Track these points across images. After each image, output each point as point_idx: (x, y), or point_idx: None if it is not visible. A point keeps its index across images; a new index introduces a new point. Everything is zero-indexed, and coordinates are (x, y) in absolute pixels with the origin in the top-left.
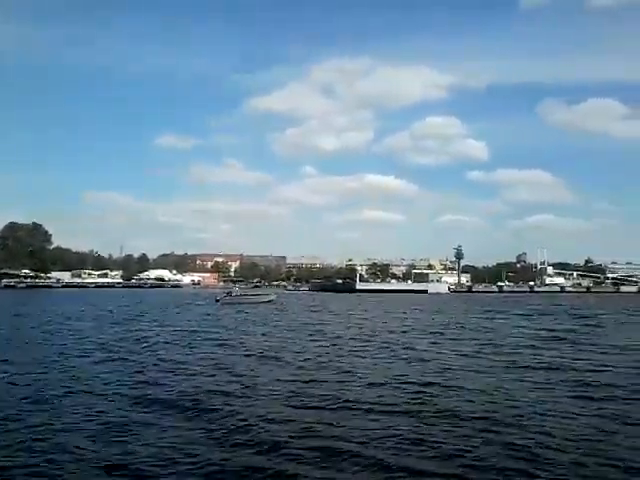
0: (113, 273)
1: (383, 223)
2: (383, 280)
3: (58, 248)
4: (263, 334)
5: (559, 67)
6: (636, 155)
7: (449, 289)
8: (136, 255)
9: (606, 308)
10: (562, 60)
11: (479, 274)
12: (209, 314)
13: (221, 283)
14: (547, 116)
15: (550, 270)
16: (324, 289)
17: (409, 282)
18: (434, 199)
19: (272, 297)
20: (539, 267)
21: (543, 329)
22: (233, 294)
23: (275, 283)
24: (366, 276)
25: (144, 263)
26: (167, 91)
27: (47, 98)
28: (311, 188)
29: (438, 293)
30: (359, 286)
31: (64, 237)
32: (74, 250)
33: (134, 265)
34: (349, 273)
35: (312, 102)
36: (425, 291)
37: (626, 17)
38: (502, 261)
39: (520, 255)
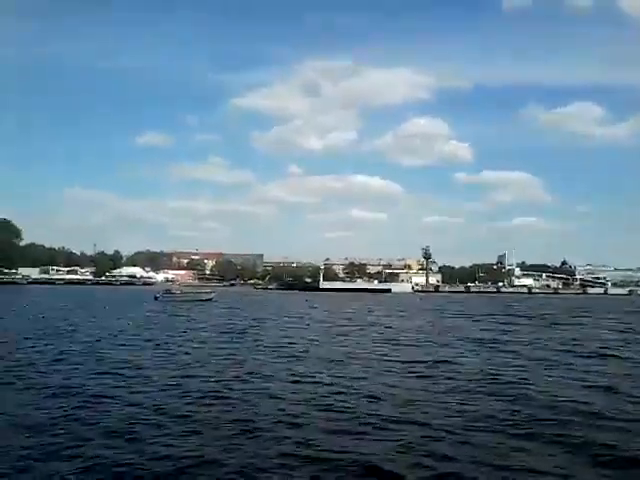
0: (83, 270)
1: (367, 223)
2: (359, 279)
3: (30, 245)
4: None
5: (542, 69)
6: (614, 158)
7: (413, 289)
8: (110, 252)
9: (551, 309)
10: (544, 62)
11: (455, 274)
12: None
13: (196, 281)
14: (530, 118)
15: (517, 271)
16: (290, 288)
17: (375, 282)
18: (419, 200)
19: (212, 295)
20: (507, 268)
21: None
22: (172, 292)
23: (251, 281)
24: (342, 275)
25: (117, 260)
26: (149, 89)
27: (26, 92)
28: (295, 187)
29: (401, 293)
30: (323, 285)
31: (41, 234)
32: (47, 247)
33: (107, 262)
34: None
35: (296, 101)
36: (389, 290)
37: (603, 20)
38: (484, 262)
39: (501, 256)
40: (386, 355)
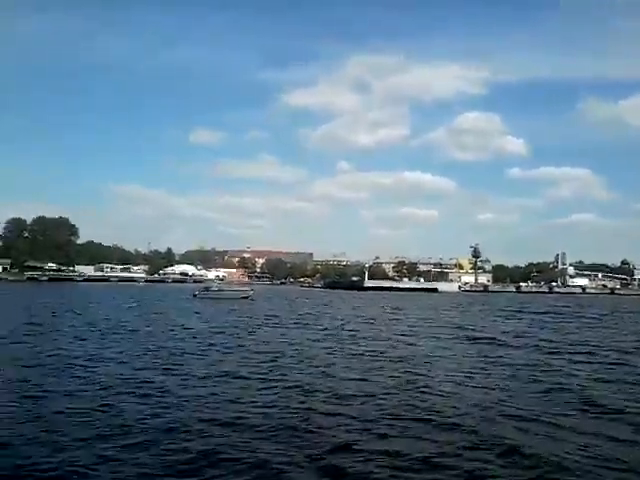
0: (136, 267)
1: (418, 220)
2: (410, 278)
3: (88, 242)
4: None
5: (600, 62)
6: None
7: (459, 288)
8: (163, 250)
9: (600, 309)
10: (603, 55)
11: (509, 274)
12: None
13: (246, 279)
14: (588, 112)
15: (571, 270)
16: (335, 286)
17: (422, 281)
18: (472, 196)
19: (250, 293)
20: (560, 267)
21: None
22: (211, 289)
23: (301, 279)
24: (391, 274)
25: (170, 258)
26: (200, 86)
27: (79, 92)
28: (345, 184)
29: (448, 292)
30: (367, 284)
31: (95, 232)
32: (104, 245)
33: (160, 260)
34: (371, 271)
35: (346, 98)
36: (435, 289)
37: None
38: (541, 261)
39: (558, 255)
40: None
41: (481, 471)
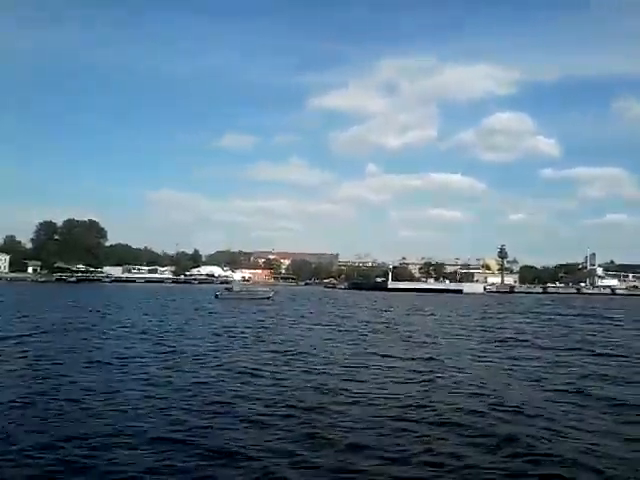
0: (163, 269)
1: (446, 222)
2: (437, 279)
3: (117, 245)
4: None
5: (632, 61)
6: None
7: (485, 289)
8: (190, 252)
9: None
10: (635, 54)
11: (537, 275)
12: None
13: (271, 280)
14: (621, 111)
15: (600, 271)
16: (359, 287)
17: (447, 282)
18: (502, 197)
19: (270, 294)
20: (589, 268)
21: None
22: (233, 290)
23: (326, 280)
24: (418, 275)
25: (197, 259)
26: (230, 91)
27: (106, 99)
28: (374, 186)
29: (473, 293)
30: (391, 285)
31: (124, 234)
32: (133, 247)
33: (187, 262)
34: (397, 272)
35: (375, 100)
36: (460, 291)
37: None
38: (571, 262)
39: (588, 256)
40: None
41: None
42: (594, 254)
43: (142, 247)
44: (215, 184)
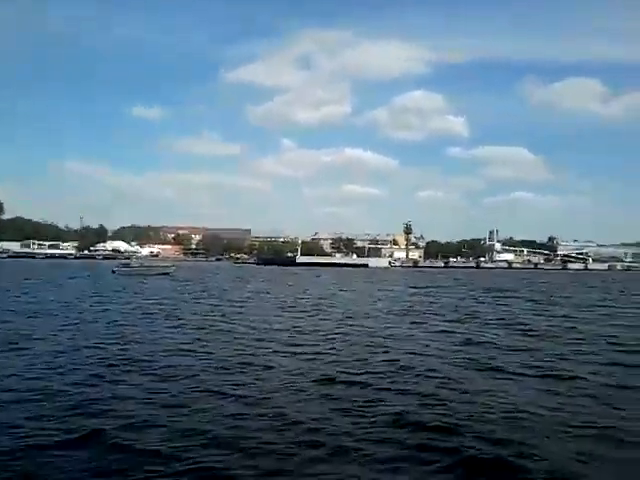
0: (66, 244)
1: (360, 198)
2: (346, 254)
3: (15, 218)
4: None
5: (540, 45)
6: (615, 136)
7: (390, 264)
8: (95, 226)
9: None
10: (543, 39)
11: (441, 250)
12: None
13: (181, 255)
14: (527, 94)
15: (498, 246)
16: (269, 262)
17: (354, 256)
18: (413, 175)
19: (171, 269)
20: (488, 243)
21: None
22: (130, 265)
23: (237, 256)
24: (329, 250)
25: (103, 234)
26: (141, 61)
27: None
28: (289, 161)
29: (378, 267)
30: (299, 260)
31: (25, 208)
32: (34, 221)
33: (92, 237)
34: (309, 247)
35: (290, 74)
36: (366, 265)
37: None
38: (476, 237)
39: (492, 232)
40: None
41: None
42: (497, 230)
43: (44, 221)
44: (126, 156)
